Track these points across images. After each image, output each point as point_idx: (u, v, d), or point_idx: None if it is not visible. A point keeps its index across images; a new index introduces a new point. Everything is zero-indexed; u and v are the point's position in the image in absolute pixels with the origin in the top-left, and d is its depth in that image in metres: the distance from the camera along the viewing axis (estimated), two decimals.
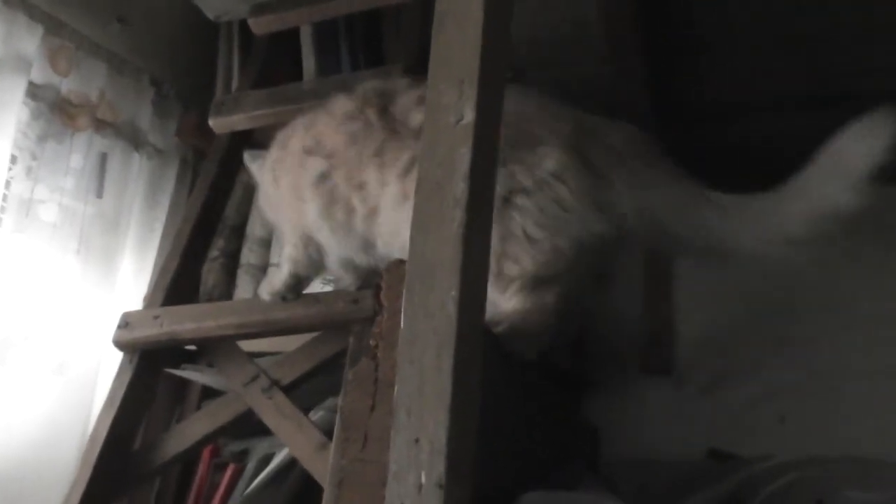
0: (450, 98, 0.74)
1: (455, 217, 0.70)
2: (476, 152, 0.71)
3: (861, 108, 1.97)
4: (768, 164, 2.24)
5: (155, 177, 2.11)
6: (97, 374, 1.85)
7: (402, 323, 0.69)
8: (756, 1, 1.66)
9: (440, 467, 0.64)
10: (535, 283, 1.15)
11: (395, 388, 0.68)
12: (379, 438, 0.76)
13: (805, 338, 2.23)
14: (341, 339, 1.46)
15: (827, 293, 2.24)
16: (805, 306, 2.25)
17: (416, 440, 0.66)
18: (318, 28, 2.04)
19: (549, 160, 1.19)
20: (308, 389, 1.61)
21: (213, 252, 2.00)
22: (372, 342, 0.81)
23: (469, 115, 0.72)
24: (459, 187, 0.70)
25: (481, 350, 0.71)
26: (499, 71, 0.76)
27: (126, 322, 1.57)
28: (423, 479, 0.65)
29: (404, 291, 0.70)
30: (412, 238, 0.72)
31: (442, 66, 0.75)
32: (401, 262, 0.79)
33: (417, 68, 1.75)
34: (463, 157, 0.71)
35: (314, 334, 1.53)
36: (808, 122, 2.04)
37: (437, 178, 0.72)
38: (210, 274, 2.01)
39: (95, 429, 1.53)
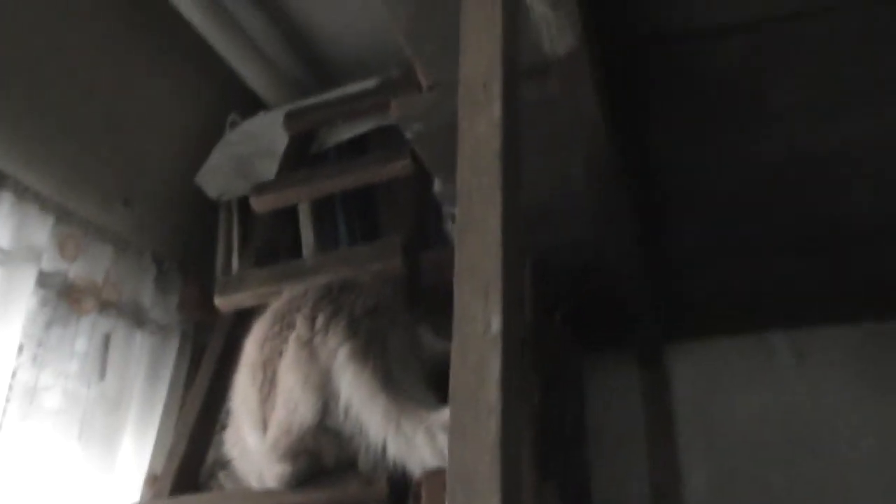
0: (476, 307, 0.78)
1: (491, 427, 0.73)
2: (505, 360, 0.75)
3: (836, 251, 2.10)
4: (755, 302, 2.33)
5: (156, 353, 2.13)
6: None
7: None
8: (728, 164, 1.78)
9: None
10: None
11: None
12: None
13: (811, 480, 2.23)
14: None
15: (827, 434, 2.26)
16: (808, 448, 2.27)
17: None
18: (316, 203, 2.14)
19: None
20: None
21: (219, 427, 1.98)
22: None
23: (496, 325, 0.77)
24: (493, 395, 0.74)
25: None
26: (518, 278, 0.82)
27: None
28: None
29: (447, 500, 0.71)
30: (450, 448, 0.74)
31: (466, 277, 0.81)
32: (440, 470, 0.80)
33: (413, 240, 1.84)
34: (493, 367, 0.75)
35: None
36: (791, 264, 2.16)
37: (470, 387, 0.75)
38: (212, 451, 1.98)
39: None
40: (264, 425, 1.41)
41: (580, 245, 2.03)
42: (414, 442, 1.23)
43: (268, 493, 1.44)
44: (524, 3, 1.08)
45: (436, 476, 0.83)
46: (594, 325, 2.40)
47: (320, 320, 1.40)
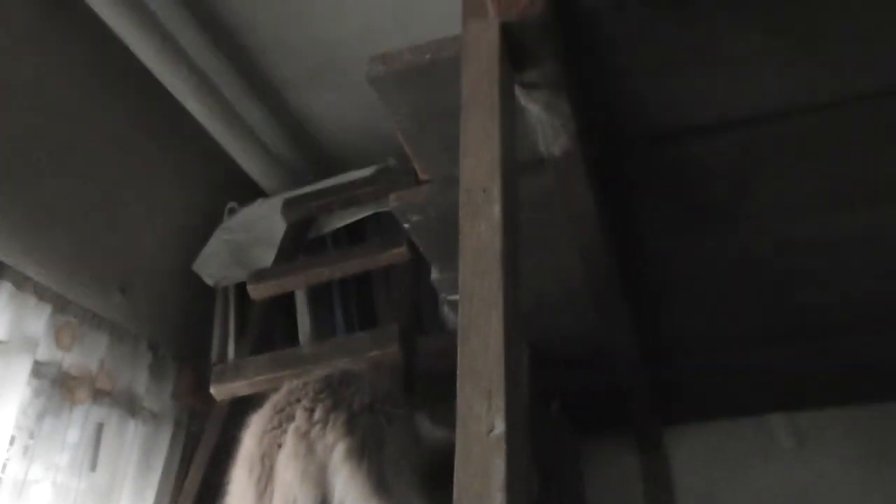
0: (479, 408, 0.79)
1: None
2: (510, 461, 0.76)
3: (828, 338, 2.11)
4: (753, 386, 2.33)
5: (149, 442, 2.10)
6: None
7: None
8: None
9: None
10: None
11: None
12: None
13: None
14: None
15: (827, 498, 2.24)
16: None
17: None
18: (313, 290, 2.15)
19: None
20: None
21: None
22: None
23: (500, 426, 0.77)
24: (498, 498, 0.74)
25: None
26: (521, 378, 0.83)
27: None
28: None
29: None
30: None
31: (469, 378, 0.81)
32: None
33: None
34: (498, 468, 0.75)
35: None
36: (781, 349, 2.17)
37: (475, 489, 0.75)
38: None
39: None
40: None
41: (577, 335, 2.04)
42: None
43: None
44: (520, 105, 1.13)
45: None
46: (592, 412, 2.39)
47: (319, 412, 1.40)
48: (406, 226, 1.56)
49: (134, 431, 2.06)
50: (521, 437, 0.79)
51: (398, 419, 1.45)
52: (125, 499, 2.00)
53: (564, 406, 2.31)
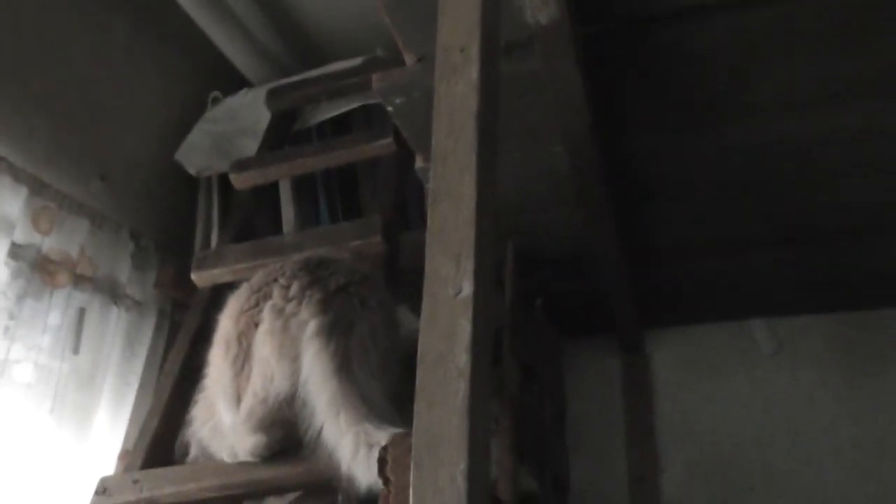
0: (448, 271, 0.77)
1: (459, 389, 0.71)
2: (475, 323, 0.74)
3: (817, 241, 2.10)
4: (735, 291, 2.33)
5: (132, 329, 2.10)
6: None
7: (411, 499, 0.69)
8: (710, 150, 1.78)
9: None
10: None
11: None
12: None
13: (788, 468, 2.24)
14: (327, 498, 1.43)
15: (805, 422, 2.27)
16: (785, 436, 2.28)
17: None
18: (297, 181, 2.11)
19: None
20: None
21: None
22: None
23: (468, 288, 0.75)
24: (462, 358, 0.73)
25: None
26: (490, 243, 0.81)
27: (104, 488, 1.51)
28: None
29: (412, 466, 0.70)
30: (416, 410, 0.73)
31: (438, 241, 0.79)
32: (406, 434, 0.79)
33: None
34: (464, 329, 0.74)
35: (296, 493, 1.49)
36: (771, 256, 2.16)
37: (439, 350, 0.74)
38: (185, 427, 1.96)
39: None
40: (238, 401, 1.39)
41: (561, 235, 2.02)
42: (343, 442, 1.23)
43: (240, 467, 1.42)
44: None
45: (402, 441, 0.81)
46: (574, 314, 2.40)
47: (294, 289, 1.39)
48: (390, 109, 1.51)
49: (117, 318, 2.06)
50: (488, 301, 0.77)
51: (373, 304, 1.44)
52: (109, 383, 2.01)
53: (547, 308, 2.31)
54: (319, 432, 1.29)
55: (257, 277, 1.51)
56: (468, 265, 0.76)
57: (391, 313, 1.51)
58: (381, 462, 0.82)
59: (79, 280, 1.97)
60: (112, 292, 2.06)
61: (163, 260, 2.26)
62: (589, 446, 2.40)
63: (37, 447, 1.77)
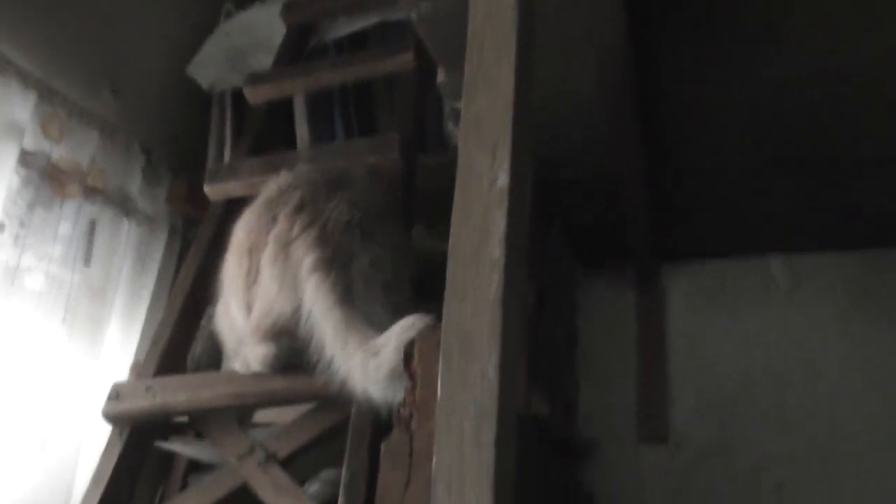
0: (483, 163, 0.73)
1: (493, 281, 0.68)
2: (511, 216, 0.70)
3: (842, 175, 2.05)
4: (754, 224, 2.29)
5: (144, 244, 2.08)
6: (79, 449, 1.77)
7: (439, 393, 0.66)
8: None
9: None
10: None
11: (434, 461, 0.65)
12: None
13: (799, 404, 2.24)
14: (341, 410, 1.42)
15: (818, 360, 2.26)
16: (798, 373, 2.27)
17: None
18: (312, 97, 2.05)
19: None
20: (301, 460, 1.56)
21: (204, 320, 1.95)
22: (405, 412, 0.78)
23: (503, 179, 0.72)
24: (497, 251, 0.69)
25: (516, 420, 0.69)
26: (527, 135, 0.76)
27: (116, 393, 1.51)
28: None
29: (441, 359, 0.67)
30: (447, 304, 0.70)
31: (473, 131, 0.75)
32: (434, 328, 0.76)
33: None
34: (498, 221, 0.70)
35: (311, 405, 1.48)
36: (792, 185, 2.11)
37: (472, 244, 0.71)
38: (198, 342, 1.96)
39: None
40: (249, 308, 1.41)
41: (583, 155, 1.97)
42: (352, 363, 1.23)
43: (255, 377, 1.41)
44: None
45: (430, 334, 0.79)
46: (591, 242, 2.36)
47: (297, 226, 1.40)
48: (414, 16, 1.44)
49: (128, 232, 2.04)
50: (524, 194, 0.74)
51: (377, 236, 1.44)
52: (120, 297, 2.00)
53: (564, 235, 2.28)
54: (330, 363, 1.29)
55: (270, 193, 1.50)
56: (504, 155, 0.72)
57: (400, 241, 1.50)
58: (408, 356, 0.79)
59: (89, 191, 1.94)
60: (123, 206, 2.04)
61: (175, 175, 2.23)
62: (599, 376, 2.40)
63: (50, 356, 1.77)
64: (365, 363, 1.20)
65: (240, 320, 1.44)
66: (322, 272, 1.34)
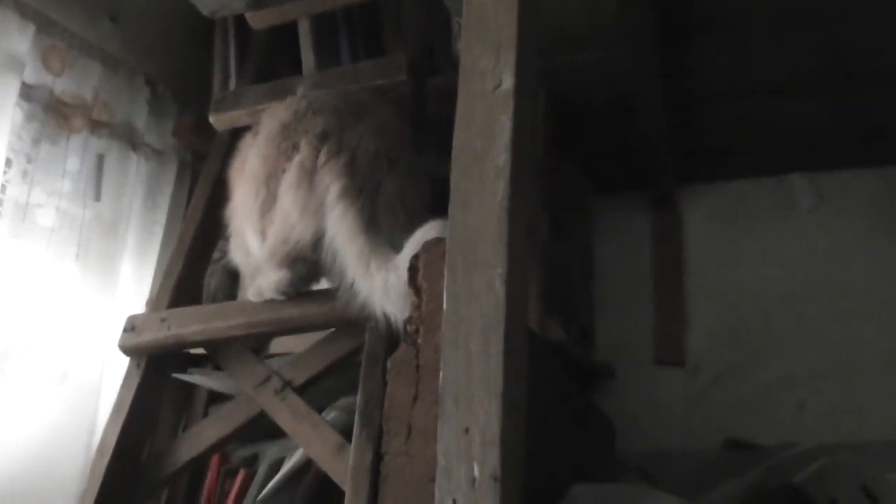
0: (486, 63, 0.69)
1: (498, 189, 0.65)
2: (517, 119, 0.67)
3: (866, 90, 1.97)
4: (776, 143, 2.22)
5: (153, 178, 2.06)
6: (100, 382, 1.79)
7: (444, 305, 0.64)
8: None
9: (494, 459, 0.60)
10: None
11: (441, 375, 0.63)
12: (424, 430, 0.71)
13: (819, 324, 2.21)
14: (355, 336, 1.41)
15: (839, 279, 2.22)
16: (818, 293, 2.23)
17: (466, 430, 0.61)
18: (317, 21, 1.98)
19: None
20: (319, 390, 1.57)
21: (217, 254, 1.94)
22: (411, 327, 0.76)
23: (508, 81, 0.68)
24: (501, 157, 0.66)
25: (526, 331, 0.67)
26: (534, 35, 0.72)
27: (132, 326, 1.52)
28: (476, 472, 0.60)
29: (446, 271, 0.65)
30: (451, 214, 0.67)
31: (477, 31, 0.71)
32: (439, 240, 0.74)
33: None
34: (504, 126, 0.66)
35: (325, 333, 1.48)
36: (816, 103, 2.04)
37: (475, 150, 0.67)
38: (213, 277, 1.95)
39: (103, 439, 1.47)
40: (263, 235, 1.40)
41: (600, 76, 1.91)
42: (374, 283, 1.24)
43: (268, 305, 1.41)
44: None
45: (435, 247, 0.76)
46: (607, 166, 2.31)
47: (324, 154, 1.39)
48: None
49: (137, 166, 2.01)
50: (530, 96, 0.70)
51: (403, 165, 1.42)
52: (132, 232, 1.99)
53: (580, 159, 2.23)
54: (352, 285, 1.30)
55: (286, 115, 1.47)
56: (509, 56, 0.68)
57: (421, 171, 1.47)
58: (412, 270, 0.77)
59: (95, 125, 1.91)
60: (130, 139, 2.01)
61: (181, 108, 2.19)
62: (615, 302, 2.38)
63: (64, 294, 1.77)
64: (385, 280, 1.20)
65: (255, 248, 1.44)
66: (349, 199, 1.33)
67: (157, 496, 1.87)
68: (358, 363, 1.38)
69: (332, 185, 1.36)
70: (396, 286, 1.10)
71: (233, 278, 1.98)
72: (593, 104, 1.96)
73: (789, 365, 2.21)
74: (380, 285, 1.22)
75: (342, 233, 1.32)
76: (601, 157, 2.24)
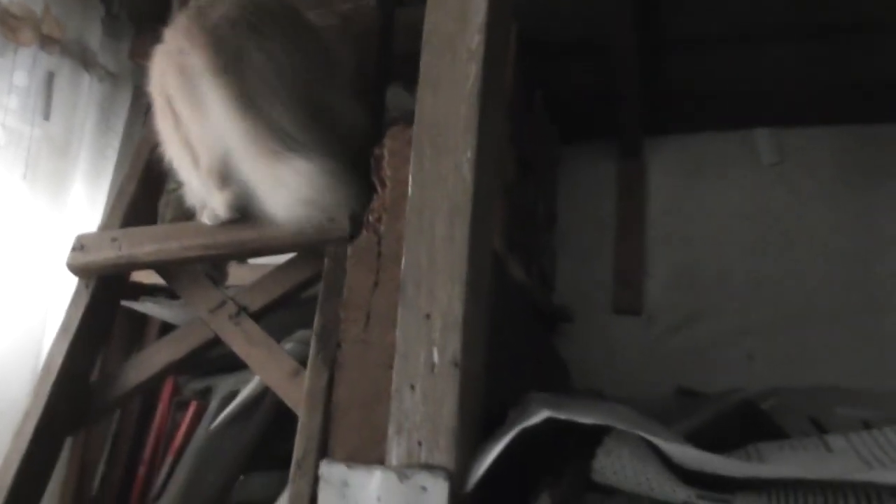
0: None
1: (470, 72, 0.62)
2: (492, 1, 0.64)
3: (836, 43, 1.97)
4: (742, 98, 2.23)
5: (107, 101, 1.98)
6: (48, 302, 1.74)
7: (409, 190, 0.62)
8: None
9: (455, 343, 0.58)
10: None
11: (403, 260, 0.61)
12: (382, 318, 0.69)
13: (773, 276, 2.25)
14: (315, 263, 1.38)
15: (797, 233, 2.25)
16: (776, 246, 2.26)
17: (427, 315, 0.59)
18: None
19: None
20: (275, 323, 1.53)
21: (172, 184, 1.88)
22: (373, 216, 0.73)
23: None
24: (475, 39, 0.63)
25: (492, 218, 0.65)
26: None
27: (81, 245, 1.45)
28: (436, 357, 0.58)
29: (412, 156, 0.62)
30: (419, 98, 0.64)
31: None
32: (406, 126, 0.71)
33: None
34: (478, 7, 0.63)
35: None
36: (785, 54, 2.04)
37: (448, 31, 0.64)
38: (168, 207, 1.89)
39: (49, 358, 1.42)
40: (195, 160, 1.28)
41: (571, 15, 1.88)
42: (262, 186, 1.17)
43: (225, 227, 1.36)
44: None
45: (401, 133, 0.73)
46: (575, 112, 2.30)
47: (181, 33, 1.24)
48: None
49: (89, 86, 1.93)
50: None
51: (270, 31, 1.25)
52: (85, 154, 1.91)
53: (548, 105, 2.21)
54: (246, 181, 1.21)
55: (181, 19, 1.30)
56: None
57: (310, 41, 1.31)
58: (378, 160, 0.74)
59: (45, 41, 1.82)
60: (83, 58, 1.92)
61: (138, 31, 2.10)
62: (577, 248, 2.39)
63: (11, 211, 1.70)
64: (278, 184, 1.13)
65: (193, 175, 1.31)
66: (211, 75, 1.18)
67: (106, 421, 1.84)
68: (315, 297, 1.35)
69: (194, 63, 1.20)
70: (288, 200, 1.05)
71: (187, 212, 1.93)
72: (565, 44, 1.93)
73: (742, 316, 2.25)
74: (271, 188, 1.14)
75: (219, 116, 1.19)
76: (571, 102, 2.22)
